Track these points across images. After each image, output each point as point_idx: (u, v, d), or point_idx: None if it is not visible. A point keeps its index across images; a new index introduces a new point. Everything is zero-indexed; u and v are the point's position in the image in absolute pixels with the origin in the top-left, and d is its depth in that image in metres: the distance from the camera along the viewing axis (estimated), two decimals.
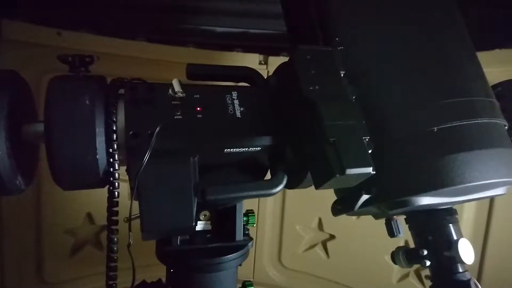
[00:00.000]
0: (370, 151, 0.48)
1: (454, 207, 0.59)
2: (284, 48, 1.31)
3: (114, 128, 0.51)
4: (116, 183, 0.52)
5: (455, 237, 0.56)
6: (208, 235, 0.68)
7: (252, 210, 0.73)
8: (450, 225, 0.57)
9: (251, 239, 0.71)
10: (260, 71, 0.68)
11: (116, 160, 0.51)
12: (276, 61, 1.27)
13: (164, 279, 0.70)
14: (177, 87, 0.53)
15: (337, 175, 0.45)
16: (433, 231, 0.57)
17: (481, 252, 1.18)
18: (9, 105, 0.50)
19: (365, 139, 0.48)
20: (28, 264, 1.19)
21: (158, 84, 0.57)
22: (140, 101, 0.54)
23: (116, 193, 0.52)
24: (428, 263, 0.56)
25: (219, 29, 1.40)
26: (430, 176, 0.50)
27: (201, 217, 0.68)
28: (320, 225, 1.38)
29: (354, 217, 1.28)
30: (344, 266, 1.35)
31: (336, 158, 0.45)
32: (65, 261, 1.23)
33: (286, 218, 1.39)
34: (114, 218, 0.53)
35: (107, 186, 0.53)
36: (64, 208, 1.20)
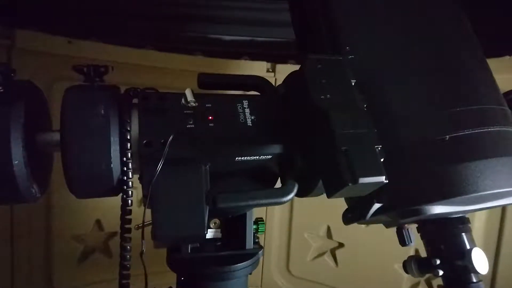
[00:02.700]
0: (382, 160, 0.48)
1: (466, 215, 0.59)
2: (291, 55, 1.32)
3: (128, 137, 0.52)
4: (130, 192, 0.53)
5: (468, 247, 0.55)
6: (218, 243, 0.69)
7: (261, 218, 0.73)
8: (463, 234, 0.56)
9: (261, 247, 0.70)
10: (267, 79, 0.69)
11: (130, 169, 0.52)
12: (283, 69, 1.28)
13: (174, 287, 0.70)
14: (189, 96, 0.54)
15: (350, 184, 0.45)
16: (446, 240, 0.56)
17: (494, 262, 1.16)
18: (25, 115, 0.51)
19: (377, 147, 0.48)
20: (37, 270, 1.19)
21: (170, 93, 0.57)
22: (153, 111, 0.54)
23: (129, 201, 0.53)
24: (441, 272, 0.55)
25: (227, 38, 1.42)
26: (442, 185, 0.50)
27: (212, 225, 0.68)
28: (329, 233, 1.37)
29: (363, 225, 1.27)
30: (353, 275, 1.34)
31: (348, 167, 0.45)
32: (74, 267, 1.23)
33: (294, 226, 1.38)
34: (127, 226, 0.53)
35: (120, 194, 0.54)
36: (74, 215, 1.21)
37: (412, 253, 1.09)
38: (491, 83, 0.58)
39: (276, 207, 1.34)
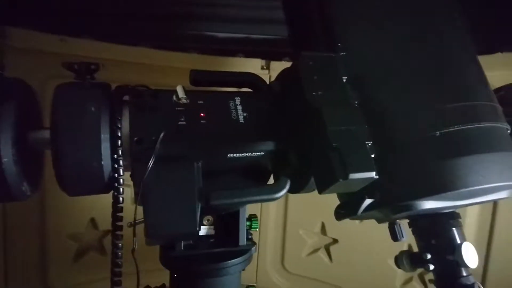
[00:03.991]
0: (373, 156, 0.48)
1: (457, 210, 0.59)
2: (286, 53, 1.32)
3: (119, 135, 0.52)
4: (121, 189, 0.52)
5: (458, 241, 0.56)
6: (212, 240, 0.69)
7: (255, 214, 0.73)
8: (454, 229, 0.57)
9: (254, 243, 0.71)
10: (262, 76, 0.69)
11: (121, 166, 0.52)
12: (278, 66, 1.28)
13: (167, 284, 0.70)
14: (181, 93, 0.53)
15: (340, 180, 0.45)
16: (437, 235, 0.57)
17: (485, 256, 1.18)
18: (16, 113, 0.51)
19: (368, 143, 0.48)
20: (32, 269, 1.19)
21: (162, 90, 0.57)
22: (145, 108, 0.54)
23: (120, 198, 0.53)
24: (432, 267, 0.56)
25: (221, 35, 1.41)
26: (433, 180, 0.50)
27: (205, 222, 0.68)
28: (323, 229, 1.38)
29: (357, 221, 1.28)
30: (347, 271, 1.35)
31: (339, 163, 0.45)
32: (69, 266, 1.23)
33: (289, 222, 1.39)
34: (119, 223, 0.53)
35: (112, 191, 0.54)
36: (68, 214, 1.21)
37: (405, 248, 1.10)
38: (481, 80, 0.58)
39: (271, 203, 1.34)
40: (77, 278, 1.24)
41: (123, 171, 0.53)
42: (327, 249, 1.38)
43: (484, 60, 0.60)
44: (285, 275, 1.43)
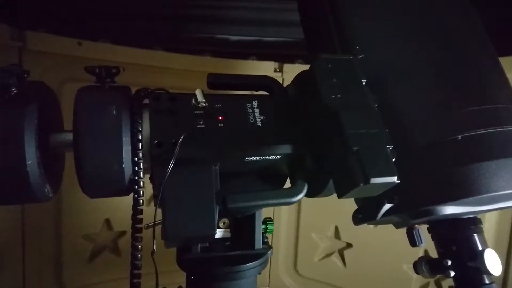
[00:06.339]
0: (393, 160, 0.47)
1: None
2: (299, 55, 1.32)
3: (140, 138, 0.52)
4: (141, 191, 0.53)
5: (480, 247, 0.55)
6: (228, 243, 0.69)
7: (270, 218, 0.73)
8: (475, 234, 0.56)
9: (271, 247, 0.71)
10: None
11: (141, 169, 0.52)
12: (291, 69, 1.28)
13: (184, 286, 0.70)
14: (200, 97, 0.54)
15: (361, 185, 0.44)
16: (457, 241, 0.56)
17: (505, 263, 1.15)
18: (39, 115, 0.52)
19: (389, 147, 0.48)
20: (48, 269, 1.21)
21: (180, 94, 0.58)
22: (164, 111, 0.55)
23: (140, 201, 0.53)
24: (452, 273, 0.55)
25: (234, 38, 1.42)
26: (454, 185, 0.50)
27: (221, 225, 0.69)
28: (337, 233, 1.36)
29: (372, 226, 1.27)
30: (361, 275, 1.33)
31: (359, 167, 0.45)
32: (84, 266, 1.25)
33: (302, 226, 1.38)
34: (139, 225, 0.54)
35: (131, 194, 0.54)
36: (83, 214, 1.23)
37: (421, 253, 1.08)
38: (503, 82, 0.57)
39: (284, 207, 1.34)
40: (91, 278, 1.26)
41: (144, 174, 0.53)
42: (340, 253, 1.37)
43: (505, 62, 0.59)
44: (297, 279, 1.42)
